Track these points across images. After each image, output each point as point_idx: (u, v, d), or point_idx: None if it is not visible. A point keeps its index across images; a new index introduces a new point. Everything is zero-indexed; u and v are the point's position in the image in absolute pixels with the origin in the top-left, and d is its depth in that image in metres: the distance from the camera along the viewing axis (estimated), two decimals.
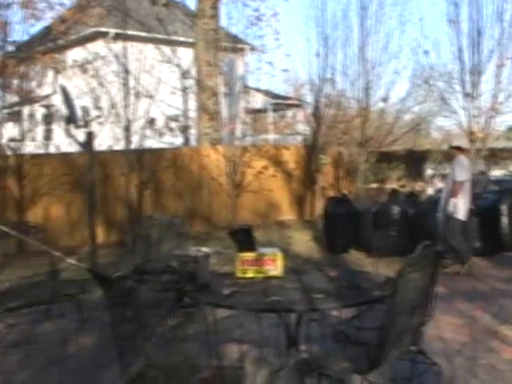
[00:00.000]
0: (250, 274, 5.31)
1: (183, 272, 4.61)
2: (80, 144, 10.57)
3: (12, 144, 15.61)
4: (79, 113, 10.32)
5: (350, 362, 4.57)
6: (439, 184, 18.69)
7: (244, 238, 5.52)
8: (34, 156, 14.52)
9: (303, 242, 14.12)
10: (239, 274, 5.33)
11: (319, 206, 16.67)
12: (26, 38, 16.94)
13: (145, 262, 5.82)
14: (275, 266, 5.31)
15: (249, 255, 5.35)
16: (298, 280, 5.24)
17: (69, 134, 9.90)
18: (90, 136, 10.12)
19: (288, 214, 18.20)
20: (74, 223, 14.24)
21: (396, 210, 12.30)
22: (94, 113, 19.00)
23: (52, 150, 21.99)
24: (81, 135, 10.79)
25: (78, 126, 9.98)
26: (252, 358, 6.18)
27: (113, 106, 15.04)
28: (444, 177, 15.93)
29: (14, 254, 12.90)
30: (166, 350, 4.14)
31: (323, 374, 4.62)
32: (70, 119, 9.88)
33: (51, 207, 14.21)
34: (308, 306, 4.65)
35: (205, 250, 8.36)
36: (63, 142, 16.70)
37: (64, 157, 14.77)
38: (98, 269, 10.00)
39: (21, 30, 17.27)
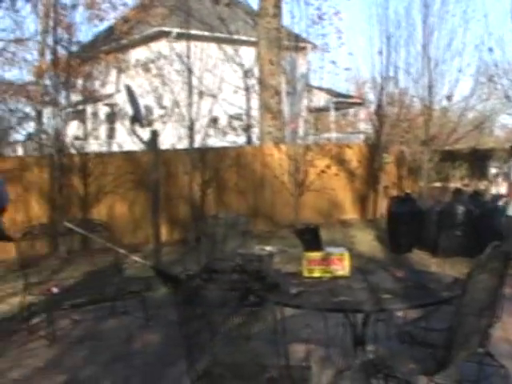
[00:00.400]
0: (316, 274, 5.25)
1: (252, 271, 4.58)
2: (144, 143, 10.63)
3: (76, 142, 15.84)
4: (144, 112, 10.41)
5: (417, 363, 4.50)
6: (504, 183, 18.35)
7: (311, 238, 5.46)
8: (99, 154, 14.71)
9: (366, 241, 13.99)
10: (306, 274, 5.28)
11: (382, 205, 16.52)
12: (89, 38, 17.18)
13: (213, 261, 5.81)
14: (342, 266, 5.24)
15: (316, 255, 5.28)
16: (365, 280, 5.16)
17: (134, 133, 9.98)
18: (155, 135, 10.17)
19: (350, 213, 18.06)
20: (138, 221, 14.37)
21: (461, 209, 12.08)
22: (156, 112, 19.16)
23: (115, 148, 22.25)
24: (145, 134, 10.87)
25: (142, 125, 10.04)
26: (318, 357, 6.12)
27: (176, 104, 15.12)
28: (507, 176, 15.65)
29: (78, 251, 13.10)
30: (232, 348, 4.12)
31: (389, 375, 4.56)
32: (136, 118, 9.94)
33: (115, 205, 14.36)
34: (376, 307, 4.58)
35: (269, 248, 8.32)
36: (126, 140, 16.83)
37: (128, 155, 14.92)
38: (161, 266, 10.07)
39: (85, 31, 17.53)
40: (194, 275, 4.12)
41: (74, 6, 15.73)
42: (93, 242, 12.36)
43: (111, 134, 25.12)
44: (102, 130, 24.99)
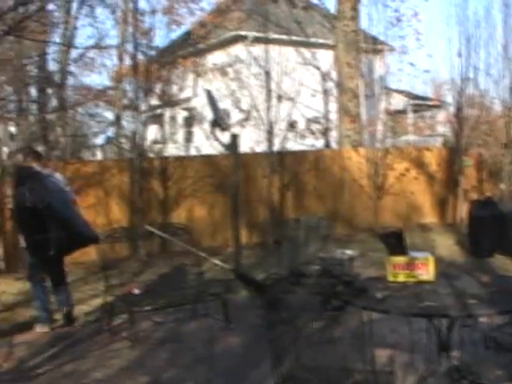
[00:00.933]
0: (401, 278, 5.15)
1: (340, 276, 4.53)
2: (224, 146, 10.67)
3: (155, 146, 16.01)
4: (223, 115, 10.44)
5: (503, 369, 4.38)
6: None
7: (395, 242, 5.38)
8: (178, 158, 14.83)
9: (446, 245, 13.74)
10: (390, 278, 5.18)
11: (462, 208, 16.21)
12: (167, 43, 17.35)
13: (299, 265, 5.79)
14: (427, 271, 5.14)
15: (400, 259, 5.19)
16: (450, 285, 5.04)
17: (214, 137, 10.01)
18: (235, 138, 10.19)
19: (430, 217, 17.77)
20: (216, 224, 14.45)
21: None
22: (234, 115, 19.24)
23: (192, 152, 22.43)
24: (224, 137, 10.91)
25: (223, 129, 10.08)
26: (401, 363, 6.00)
27: (255, 108, 15.15)
28: None
29: (157, 253, 13.27)
30: (317, 352, 4.07)
31: (475, 382, 4.45)
32: (216, 122, 9.99)
33: (194, 208, 14.47)
34: (462, 312, 4.47)
35: (349, 252, 8.26)
36: (203, 144, 16.96)
37: (207, 159, 14.99)
38: (242, 270, 10.07)
39: (162, 36, 17.72)
40: (281, 279, 4.08)
41: (153, 12, 15.93)
42: (172, 245, 12.52)
43: (189, 138, 25.33)
44: (180, 134, 25.20)
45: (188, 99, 22.83)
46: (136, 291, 7.79)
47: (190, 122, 24.69)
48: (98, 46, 17.89)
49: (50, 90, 16.08)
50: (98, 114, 20.59)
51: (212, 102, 10.10)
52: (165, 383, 6.24)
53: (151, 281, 9.42)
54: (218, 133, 10.01)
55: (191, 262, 10.03)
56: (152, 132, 16.92)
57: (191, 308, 8.31)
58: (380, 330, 6.22)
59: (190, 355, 6.98)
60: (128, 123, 16.42)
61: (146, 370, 6.60)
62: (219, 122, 9.91)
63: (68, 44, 15.00)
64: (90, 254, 13.26)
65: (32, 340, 7.94)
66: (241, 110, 16.09)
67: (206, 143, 15.87)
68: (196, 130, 23.29)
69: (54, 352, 7.43)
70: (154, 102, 16.84)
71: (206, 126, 15.87)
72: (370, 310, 4.37)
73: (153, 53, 15.92)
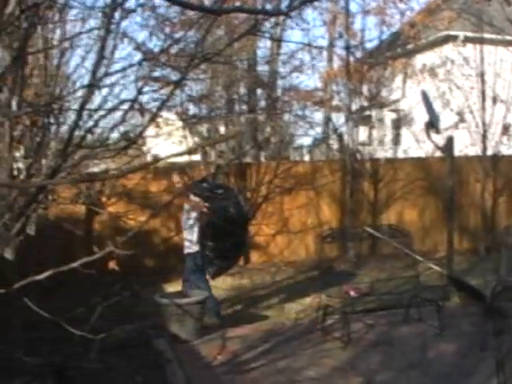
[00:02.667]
0: None
1: None
2: (440, 149, 10.44)
3: (362, 148, 15.98)
4: (439, 118, 10.21)
5: None
6: None
7: None
8: (389, 160, 14.71)
9: None
10: None
11: None
12: (376, 44, 17.27)
13: None
14: None
15: None
16: None
17: (429, 139, 9.79)
18: (451, 141, 9.96)
19: None
20: (426, 228, 14.21)
21: None
22: (444, 117, 18.80)
23: (399, 154, 22.19)
24: (437, 140, 10.67)
25: (438, 132, 9.87)
26: None
27: (469, 110, 14.71)
28: None
29: (366, 256, 13.25)
30: None
31: None
32: (431, 124, 9.79)
33: (404, 211, 14.31)
34: None
35: None
36: (411, 146, 16.72)
37: (418, 161, 14.81)
38: (455, 275, 9.83)
39: (371, 37, 17.69)
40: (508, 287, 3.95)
41: (366, 13, 15.93)
42: (382, 247, 12.47)
43: (396, 140, 25.08)
44: (388, 136, 24.98)
45: (396, 101, 22.61)
46: (352, 293, 7.82)
47: (397, 124, 24.42)
48: (306, 47, 18.11)
49: (259, 91, 16.45)
50: (306, 115, 20.84)
51: (427, 103, 9.90)
52: None
53: (364, 283, 9.40)
54: (433, 135, 9.78)
55: (402, 265, 9.98)
56: (360, 134, 16.91)
57: (404, 312, 8.22)
58: None
59: (403, 359, 6.91)
60: (337, 124, 16.53)
61: (359, 372, 6.62)
62: (434, 123, 9.69)
63: (278, 39, 15.17)
64: (299, 253, 13.60)
65: (244, 335, 8.21)
66: (457, 113, 15.63)
67: (414, 146, 15.63)
68: (404, 132, 23.01)
69: (266, 348, 7.64)
70: (363, 103, 16.84)
71: (415, 128, 15.65)
72: None
73: (362, 54, 15.92)
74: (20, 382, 6.06)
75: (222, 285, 11.14)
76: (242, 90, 15.04)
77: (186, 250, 8.98)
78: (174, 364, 7.10)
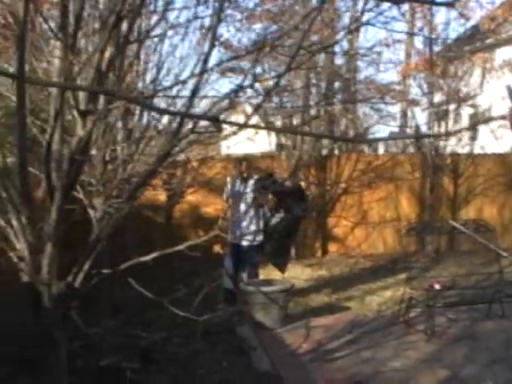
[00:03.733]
0: None
1: None
2: None
3: (439, 143, 15.88)
4: None
5: None
6: None
7: None
8: (469, 155, 14.58)
9: None
10: None
11: None
12: (454, 37, 17.14)
13: None
14: None
15: None
16: None
17: None
18: None
19: None
20: (506, 225, 14.06)
21: None
22: None
23: (476, 150, 21.96)
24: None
25: None
26: None
27: None
28: None
29: (444, 251, 13.22)
30: None
31: None
32: None
33: (483, 207, 14.20)
34: None
35: None
36: (488, 142, 16.55)
37: (499, 157, 14.70)
38: None
39: (451, 30, 17.51)
40: None
41: (449, 5, 15.77)
42: (460, 243, 12.43)
43: (473, 136, 24.79)
44: (465, 132, 24.66)
45: (474, 96, 22.35)
46: (437, 286, 7.87)
47: (474, 119, 24.15)
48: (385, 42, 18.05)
49: (337, 84, 16.48)
50: (383, 108, 20.77)
51: None
52: (464, 379, 6.26)
53: (440, 277, 9.41)
54: None
55: (482, 261, 9.98)
56: (437, 128, 16.80)
57: (486, 308, 8.23)
58: None
59: (487, 354, 6.93)
60: (414, 119, 16.50)
61: (444, 364, 6.68)
62: None
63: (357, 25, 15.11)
64: (377, 247, 13.66)
65: (327, 325, 8.35)
66: None
67: (491, 142, 15.47)
68: (481, 128, 22.75)
69: (350, 338, 7.77)
70: (440, 97, 16.73)
71: (493, 124, 15.49)
72: None
73: (440, 48, 15.82)
74: (108, 361, 6.27)
75: (301, 275, 11.32)
76: (322, 84, 15.10)
77: (249, 243, 9.19)
78: (259, 350, 7.28)
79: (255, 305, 8.25)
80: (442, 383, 6.20)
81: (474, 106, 23.33)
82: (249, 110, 13.53)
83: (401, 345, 7.42)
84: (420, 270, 10.62)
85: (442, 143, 14.50)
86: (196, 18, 5.31)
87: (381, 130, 22.34)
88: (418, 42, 25.90)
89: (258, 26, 10.81)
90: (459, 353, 7.07)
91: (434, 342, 7.44)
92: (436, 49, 15.82)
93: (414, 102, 16.92)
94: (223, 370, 6.65)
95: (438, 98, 16.29)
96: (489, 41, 20.03)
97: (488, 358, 6.81)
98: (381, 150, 24.16)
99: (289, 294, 8.45)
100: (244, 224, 9.19)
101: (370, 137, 21.50)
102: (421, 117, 17.44)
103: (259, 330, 8.05)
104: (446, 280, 8.60)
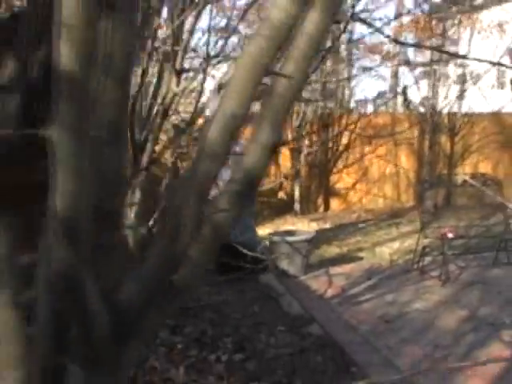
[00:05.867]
0: None
1: None
2: None
3: (426, 102, 16.27)
4: None
5: None
6: None
7: None
8: (466, 114, 14.95)
9: None
10: None
11: None
12: None
13: None
14: None
15: None
16: None
17: None
18: None
19: None
20: (501, 180, 14.56)
21: None
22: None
23: (463, 110, 22.35)
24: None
25: None
26: None
27: None
28: None
29: (441, 206, 13.71)
30: None
31: None
32: None
33: (478, 164, 14.71)
34: None
35: None
36: (476, 102, 16.94)
37: (494, 116, 15.07)
38: None
39: None
40: None
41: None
42: (455, 198, 12.94)
43: (460, 96, 25.16)
44: (452, 92, 25.02)
45: (462, 56, 22.65)
46: (450, 235, 8.36)
47: (462, 79, 24.51)
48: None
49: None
50: (372, 67, 21.07)
51: None
52: (483, 318, 6.81)
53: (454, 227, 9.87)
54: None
55: (478, 216, 10.49)
56: (424, 88, 17.19)
57: (494, 256, 8.77)
58: None
59: (500, 296, 7.49)
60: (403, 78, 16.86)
61: (461, 305, 7.24)
62: None
63: None
64: (377, 202, 14.18)
65: (346, 272, 8.90)
66: None
67: (478, 102, 15.86)
68: (469, 88, 23.15)
69: (370, 284, 8.33)
70: (428, 57, 17.09)
71: (481, 84, 15.89)
72: None
73: (430, 7, 16.12)
74: None
75: (307, 229, 11.78)
76: None
77: None
78: (287, 296, 7.78)
79: (280, 254, 8.70)
80: (463, 321, 6.75)
81: (462, 66, 23.71)
82: None
83: (418, 289, 7.97)
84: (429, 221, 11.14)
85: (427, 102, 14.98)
86: None
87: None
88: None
89: None
90: (473, 296, 7.61)
91: (449, 287, 7.99)
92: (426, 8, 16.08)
93: (405, 62, 17.25)
94: (255, 314, 7.12)
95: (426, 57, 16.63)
96: (477, 2, 20.32)
97: (501, 299, 7.37)
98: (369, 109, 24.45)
99: (311, 243, 8.93)
100: None
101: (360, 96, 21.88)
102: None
103: (284, 278, 8.54)
104: (458, 229, 9.10)
